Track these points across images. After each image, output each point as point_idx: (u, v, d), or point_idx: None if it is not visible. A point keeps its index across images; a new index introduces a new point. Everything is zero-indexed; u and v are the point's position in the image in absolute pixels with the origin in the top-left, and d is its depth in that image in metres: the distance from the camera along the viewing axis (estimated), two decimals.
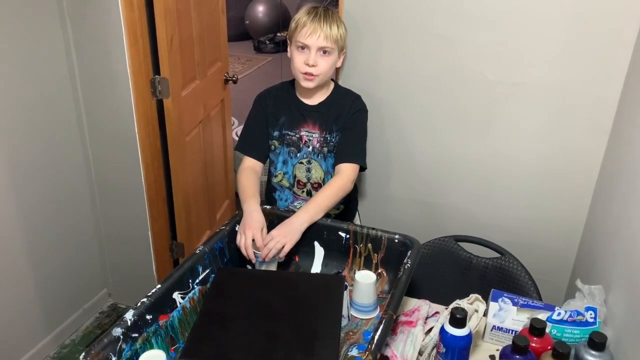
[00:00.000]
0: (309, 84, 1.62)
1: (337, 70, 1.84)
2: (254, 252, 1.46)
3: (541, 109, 1.67)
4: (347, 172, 1.64)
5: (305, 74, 1.60)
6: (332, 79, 1.74)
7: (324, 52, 1.59)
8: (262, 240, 1.46)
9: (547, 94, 1.65)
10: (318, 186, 1.74)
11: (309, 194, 1.74)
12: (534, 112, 1.68)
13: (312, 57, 1.58)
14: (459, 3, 1.64)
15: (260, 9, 6.35)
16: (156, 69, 2.14)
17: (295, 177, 1.75)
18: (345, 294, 1.35)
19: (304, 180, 1.74)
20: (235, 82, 2.79)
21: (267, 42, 6.26)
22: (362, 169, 1.70)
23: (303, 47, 1.59)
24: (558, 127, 1.67)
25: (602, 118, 1.61)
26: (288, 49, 1.68)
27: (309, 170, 1.73)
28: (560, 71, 1.61)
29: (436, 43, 1.71)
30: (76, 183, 2.27)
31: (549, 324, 1.22)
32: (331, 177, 1.70)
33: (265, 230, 1.50)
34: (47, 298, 2.22)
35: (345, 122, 1.68)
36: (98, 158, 2.28)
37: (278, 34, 6.23)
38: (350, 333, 1.35)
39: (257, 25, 6.38)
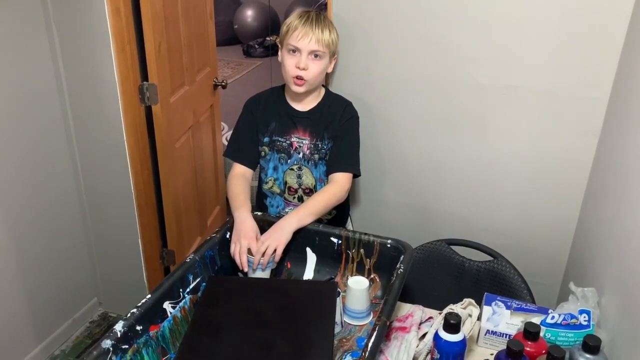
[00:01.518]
0: (299, 89, 1.61)
1: (328, 76, 1.83)
2: (247, 258, 1.45)
3: (532, 112, 1.67)
4: (341, 180, 1.63)
5: (296, 77, 1.59)
6: (323, 85, 1.73)
7: (315, 56, 1.58)
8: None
9: (538, 97, 1.65)
10: (310, 192, 1.72)
11: (301, 199, 1.73)
12: (525, 114, 1.68)
13: (303, 60, 1.57)
14: (449, 7, 1.64)
15: (249, 13, 6.33)
16: (144, 76, 2.12)
17: (286, 183, 1.73)
18: (338, 300, 1.33)
19: (295, 186, 1.73)
20: (224, 87, 2.77)
21: (257, 46, 6.24)
22: (356, 175, 1.69)
23: (294, 50, 1.58)
24: (549, 130, 1.68)
25: (592, 119, 1.62)
26: (279, 53, 1.66)
27: (299, 176, 1.71)
28: (551, 73, 1.61)
29: (427, 47, 1.71)
30: (64, 191, 2.25)
31: (543, 328, 1.22)
32: (324, 184, 1.69)
33: (259, 235, 1.49)
34: (36, 308, 2.19)
35: (337, 130, 1.66)
36: (86, 166, 2.25)
37: (267, 38, 6.20)
38: (344, 340, 1.34)
39: (246, 29, 6.36)
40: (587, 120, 1.62)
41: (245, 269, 1.45)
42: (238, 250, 1.45)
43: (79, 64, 2.06)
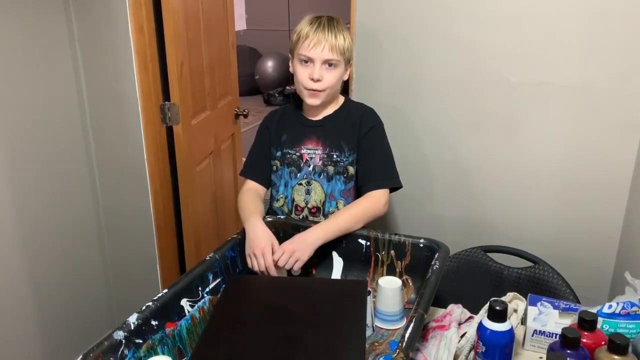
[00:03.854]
0: (314, 101, 1.51)
1: (350, 84, 1.79)
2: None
3: (567, 109, 1.60)
4: (376, 195, 1.49)
5: (310, 90, 1.49)
6: (342, 94, 1.63)
7: (330, 65, 1.48)
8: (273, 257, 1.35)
9: (574, 93, 1.58)
10: (316, 211, 1.58)
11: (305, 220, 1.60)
12: (560, 112, 1.61)
13: (316, 70, 1.47)
14: (476, 3, 1.61)
15: (270, 64, 6.50)
16: (166, 96, 2.11)
17: (293, 200, 1.60)
18: (369, 300, 1.23)
19: (302, 204, 1.58)
20: (245, 116, 2.76)
21: (277, 94, 6.36)
22: (395, 188, 1.55)
23: (307, 60, 1.48)
24: (586, 127, 1.60)
25: (633, 114, 1.53)
26: (290, 64, 1.57)
27: (308, 192, 1.58)
28: (587, 68, 1.55)
29: (455, 46, 1.67)
30: (83, 210, 2.19)
31: (600, 319, 1.10)
32: (334, 202, 1.56)
33: (276, 243, 1.38)
34: (51, 339, 2.09)
35: (360, 142, 1.54)
36: (106, 184, 2.21)
37: (287, 87, 6.33)
38: (376, 344, 1.23)
39: (267, 79, 6.51)
40: (628, 115, 1.54)
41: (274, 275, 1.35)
42: (256, 264, 1.35)
43: (101, 80, 2.06)
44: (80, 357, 0.98)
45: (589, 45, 1.53)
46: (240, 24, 3.15)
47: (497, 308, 1.02)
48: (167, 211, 2.22)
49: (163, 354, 1.12)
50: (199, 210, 2.31)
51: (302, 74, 1.50)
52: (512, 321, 1.14)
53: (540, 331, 1.19)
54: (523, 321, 1.25)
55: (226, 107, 2.60)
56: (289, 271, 1.40)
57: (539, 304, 1.24)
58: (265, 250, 1.34)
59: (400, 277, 1.39)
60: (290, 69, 1.57)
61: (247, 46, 6.52)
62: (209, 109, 2.38)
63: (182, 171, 2.17)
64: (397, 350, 0.98)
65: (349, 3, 1.80)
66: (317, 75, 1.47)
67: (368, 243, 1.42)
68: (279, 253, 1.34)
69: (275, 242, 1.38)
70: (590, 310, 1.11)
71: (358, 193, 1.57)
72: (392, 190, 1.55)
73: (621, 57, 1.51)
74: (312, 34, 1.46)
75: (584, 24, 1.52)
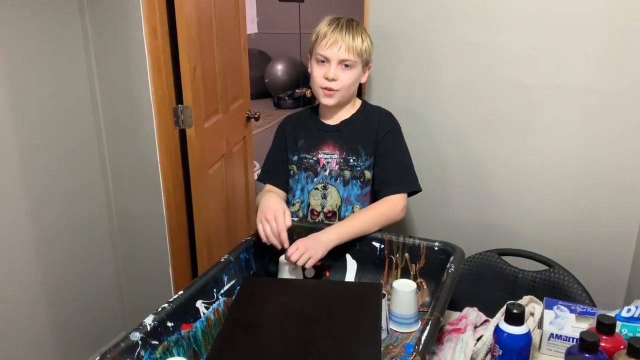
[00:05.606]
0: (329, 101, 1.51)
1: (366, 87, 1.78)
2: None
3: (583, 112, 1.59)
4: (393, 200, 1.49)
5: (325, 89, 1.50)
6: (359, 97, 1.64)
7: (346, 65, 1.48)
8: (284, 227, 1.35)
9: (589, 95, 1.56)
10: (332, 215, 1.58)
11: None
12: (576, 115, 1.60)
13: (332, 70, 1.47)
14: (488, 7, 1.60)
15: (280, 68, 6.50)
16: (179, 99, 2.12)
17: (309, 205, 1.60)
18: (384, 302, 1.23)
19: (318, 208, 1.59)
20: (257, 119, 2.76)
21: (287, 98, 6.35)
22: (414, 192, 1.55)
23: (323, 60, 1.49)
24: (602, 130, 1.58)
25: None
26: (308, 64, 1.58)
27: (324, 196, 1.57)
28: (602, 70, 1.54)
29: (469, 50, 1.66)
30: (96, 212, 2.20)
31: (618, 323, 1.09)
32: (350, 207, 1.56)
33: (288, 213, 1.37)
34: (62, 340, 2.10)
35: (378, 146, 1.54)
36: (119, 186, 2.22)
37: (297, 90, 6.33)
38: (391, 347, 1.23)
39: (277, 82, 6.51)
40: None
41: (286, 245, 1.34)
42: (267, 229, 1.34)
43: (115, 83, 2.07)
44: (98, 357, 0.99)
45: (604, 47, 1.52)
46: (251, 27, 3.15)
47: (515, 311, 1.02)
48: (180, 213, 2.23)
49: (179, 355, 1.12)
50: (211, 213, 2.31)
51: (318, 73, 1.50)
52: (530, 324, 1.13)
53: (556, 335, 1.18)
54: (539, 325, 1.24)
55: (238, 110, 2.61)
56: (303, 273, 1.41)
57: (555, 307, 1.24)
58: (277, 214, 1.34)
59: (414, 280, 1.38)
60: (309, 69, 1.57)
61: (256, 49, 6.54)
62: (221, 112, 2.38)
63: (195, 174, 2.17)
64: (414, 353, 0.98)
65: (362, 7, 1.81)
66: (332, 74, 1.47)
67: (382, 246, 1.42)
68: (293, 249, 1.33)
69: (288, 211, 1.37)
70: (608, 314, 1.10)
71: (375, 198, 1.56)
72: (411, 194, 1.54)
73: (637, 59, 1.50)
74: (329, 34, 1.47)
75: (599, 25, 1.51)
